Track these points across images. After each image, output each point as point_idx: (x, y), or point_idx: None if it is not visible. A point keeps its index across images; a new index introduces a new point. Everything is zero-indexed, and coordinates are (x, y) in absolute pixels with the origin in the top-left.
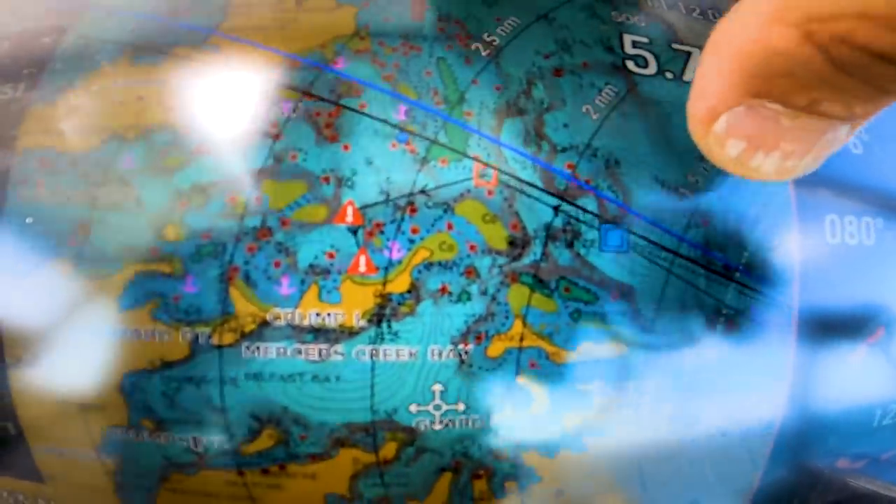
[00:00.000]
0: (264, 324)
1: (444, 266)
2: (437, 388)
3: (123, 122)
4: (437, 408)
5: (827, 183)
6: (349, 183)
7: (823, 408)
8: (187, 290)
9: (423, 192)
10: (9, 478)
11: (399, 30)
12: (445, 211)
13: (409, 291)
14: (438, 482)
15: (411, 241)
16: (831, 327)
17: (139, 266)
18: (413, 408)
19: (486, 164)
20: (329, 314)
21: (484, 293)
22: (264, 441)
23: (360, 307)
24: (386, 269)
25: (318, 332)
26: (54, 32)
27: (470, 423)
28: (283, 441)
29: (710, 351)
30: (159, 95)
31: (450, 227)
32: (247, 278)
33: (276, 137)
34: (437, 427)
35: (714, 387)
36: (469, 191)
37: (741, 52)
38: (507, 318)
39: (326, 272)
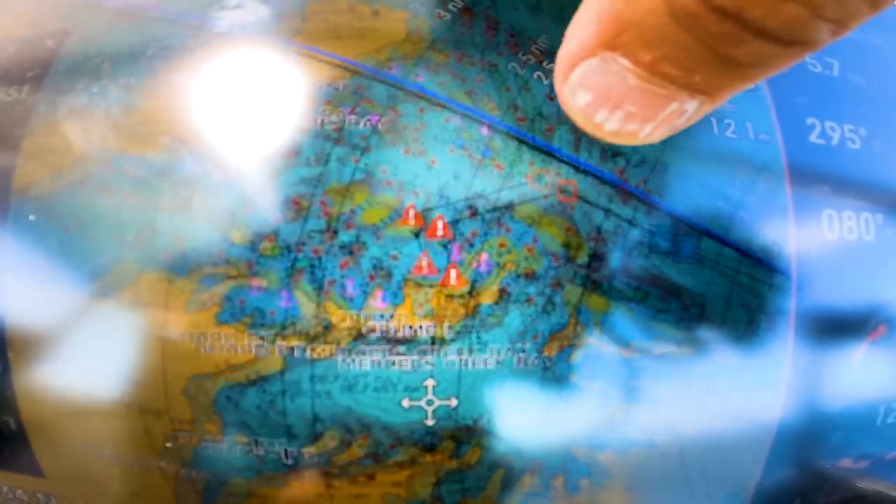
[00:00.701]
0: (359, 336)
1: (530, 277)
2: (520, 393)
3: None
4: (518, 411)
5: (823, 178)
6: (437, 199)
7: (824, 407)
8: (283, 305)
9: (507, 206)
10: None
11: (476, 44)
12: (530, 225)
13: (496, 303)
14: (519, 483)
15: (499, 255)
16: (830, 325)
17: (233, 281)
18: (496, 414)
19: (567, 181)
20: (420, 326)
21: (567, 303)
22: (354, 452)
23: (450, 318)
24: (474, 281)
25: (410, 343)
26: (59, 35)
27: (548, 427)
28: (372, 450)
29: (718, 351)
30: (223, 103)
31: (535, 240)
32: (342, 291)
33: (364, 150)
34: (517, 431)
35: (715, 386)
36: (553, 206)
37: (601, 1)
38: (586, 326)
39: (418, 286)
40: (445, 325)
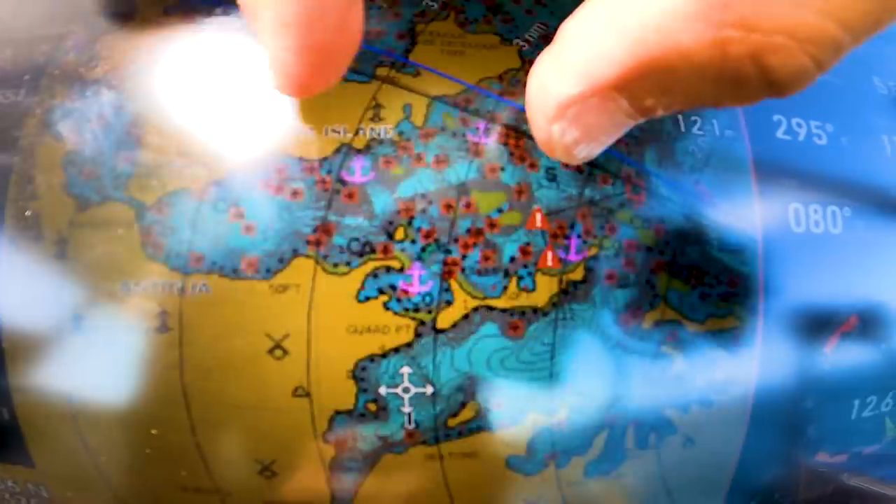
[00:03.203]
0: (475, 310)
1: (609, 258)
2: (602, 358)
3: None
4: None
5: (790, 173)
6: (536, 195)
7: (796, 400)
8: (413, 287)
9: (591, 202)
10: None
11: None
12: (608, 219)
13: (583, 280)
14: (597, 437)
15: (585, 242)
16: (800, 318)
17: (374, 263)
18: (583, 374)
19: (636, 184)
20: (526, 300)
21: (638, 281)
22: (466, 413)
23: (548, 293)
24: (565, 262)
25: (520, 315)
26: (55, 40)
27: (625, 385)
28: (480, 412)
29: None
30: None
31: (612, 230)
32: (463, 272)
33: (476, 154)
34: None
35: (687, 373)
36: (625, 203)
37: (645, 43)
38: (654, 297)
39: (524, 265)
40: (545, 299)
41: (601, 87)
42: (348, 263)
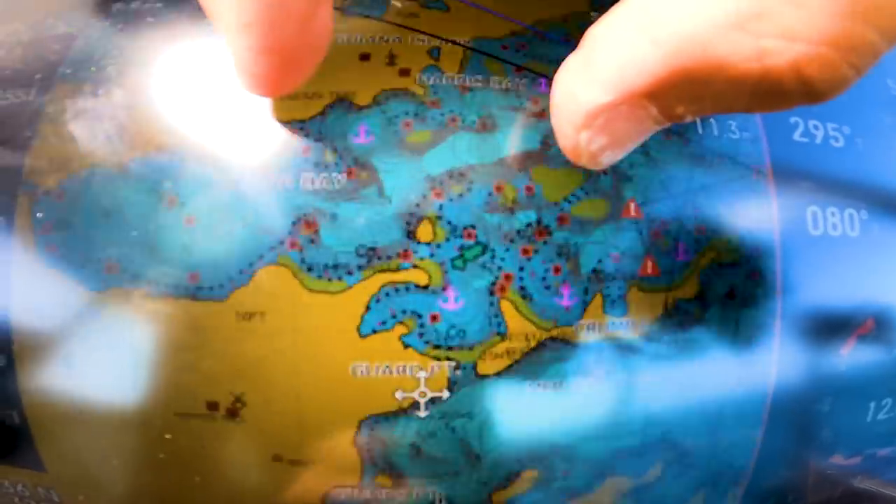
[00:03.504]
0: (541, 346)
1: (732, 267)
2: (722, 409)
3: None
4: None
5: (807, 175)
6: (627, 175)
7: (812, 402)
8: (448, 307)
9: (703, 188)
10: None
11: None
12: (725, 209)
13: (696, 297)
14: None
15: (698, 242)
16: (817, 321)
17: (384, 276)
18: (686, 424)
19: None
20: (613, 323)
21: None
22: (521, 485)
23: (649, 316)
24: (671, 272)
25: (603, 349)
26: (66, 39)
27: (720, 445)
28: (542, 480)
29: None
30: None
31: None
32: (521, 289)
33: (540, 116)
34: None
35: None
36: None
37: (680, 52)
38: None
39: (611, 278)
40: (642, 324)
41: (632, 96)
42: (347, 275)
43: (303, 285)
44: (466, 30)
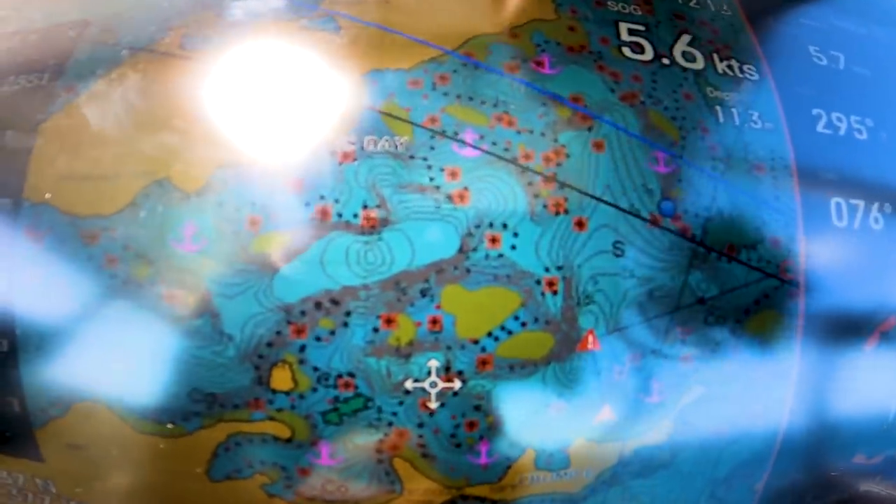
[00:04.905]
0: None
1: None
2: None
3: None
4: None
5: (831, 168)
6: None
7: (834, 401)
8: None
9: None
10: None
11: None
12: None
13: None
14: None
15: None
16: (841, 315)
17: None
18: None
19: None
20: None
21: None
22: None
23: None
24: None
25: None
26: (80, 26)
27: None
28: None
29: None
30: None
31: None
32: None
33: (460, 199)
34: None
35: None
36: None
37: None
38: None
39: None
40: None
41: None
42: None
43: None
44: None
